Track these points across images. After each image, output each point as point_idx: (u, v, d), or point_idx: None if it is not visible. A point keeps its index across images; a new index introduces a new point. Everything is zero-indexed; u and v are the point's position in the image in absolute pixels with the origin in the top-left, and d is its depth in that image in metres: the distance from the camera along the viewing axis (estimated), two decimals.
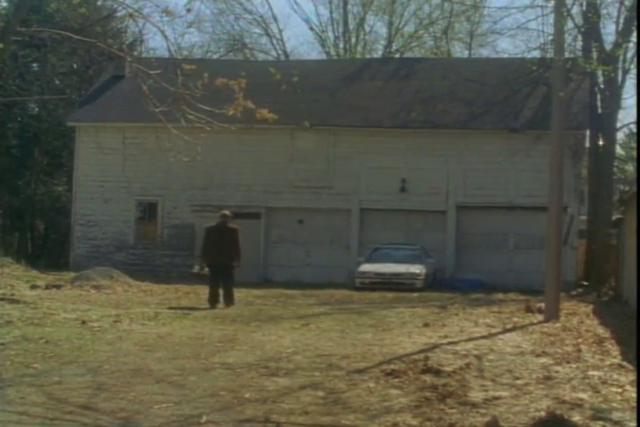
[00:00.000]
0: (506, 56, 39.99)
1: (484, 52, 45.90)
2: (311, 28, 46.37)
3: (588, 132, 27.47)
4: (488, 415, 6.56)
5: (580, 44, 28.66)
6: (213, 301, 15.90)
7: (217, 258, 16.06)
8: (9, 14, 30.53)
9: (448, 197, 26.97)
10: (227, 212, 16.81)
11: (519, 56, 31.07)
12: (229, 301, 16.03)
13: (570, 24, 24.86)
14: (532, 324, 13.68)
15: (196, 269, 17.19)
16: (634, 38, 26.05)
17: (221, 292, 16.13)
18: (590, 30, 27.14)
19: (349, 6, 45.89)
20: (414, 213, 27.09)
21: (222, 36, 47.52)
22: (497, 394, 7.43)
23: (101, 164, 28.29)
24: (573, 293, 22.36)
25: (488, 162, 26.49)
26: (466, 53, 45.18)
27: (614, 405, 7.13)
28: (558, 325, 13.50)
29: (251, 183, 27.55)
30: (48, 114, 35.77)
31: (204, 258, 16.47)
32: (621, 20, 28.53)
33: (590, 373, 8.68)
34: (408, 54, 43.92)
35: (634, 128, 39.16)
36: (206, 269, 16.44)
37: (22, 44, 30.98)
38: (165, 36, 28.19)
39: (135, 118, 25.28)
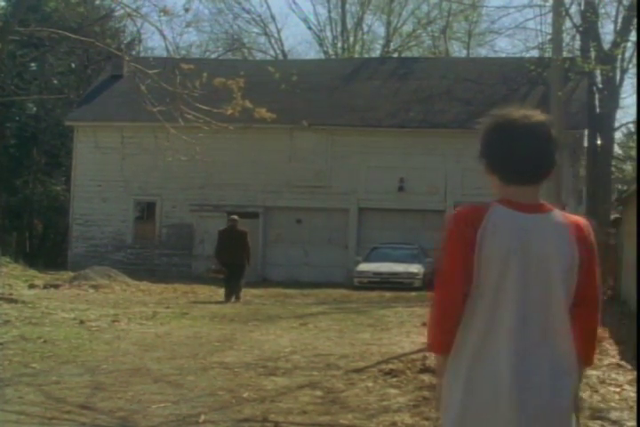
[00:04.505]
0: (504, 55, 39.94)
1: (483, 52, 46.00)
2: (309, 28, 46.45)
3: (586, 132, 27.48)
4: None
5: (578, 43, 28.74)
6: (229, 296, 17.40)
7: (229, 258, 17.51)
8: (7, 14, 30.52)
9: (446, 196, 26.97)
10: (235, 217, 18.52)
11: (517, 55, 31.23)
12: (238, 296, 17.61)
13: (568, 23, 24.93)
14: None
15: (214, 266, 18.71)
16: (632, 38, 26.07)
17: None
18: (588, 30, 27.18)
19: (347, 6, 45.99)
20: (412, 212, 27.10)
21: (220, 36, 47.66)
22: None
23: (99, 163, 28.28)
24: None
25: None
26: (464, 53, 45.30)
27: (612, 404, 7.11)
28: None
29: (249, 183, 27.54)
30: (46, 113, 35.74)
31: (218, 258, 17.93)
32: (619, 20, 28.62)
33: (588, 372, 8.67)
34: (406, 54, 43.96)
35: (632, 127, 39.19)
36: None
37: (20, 43, 30.95)
38: (163, 36, 28.33)
39: (133, 118, 25.30)
